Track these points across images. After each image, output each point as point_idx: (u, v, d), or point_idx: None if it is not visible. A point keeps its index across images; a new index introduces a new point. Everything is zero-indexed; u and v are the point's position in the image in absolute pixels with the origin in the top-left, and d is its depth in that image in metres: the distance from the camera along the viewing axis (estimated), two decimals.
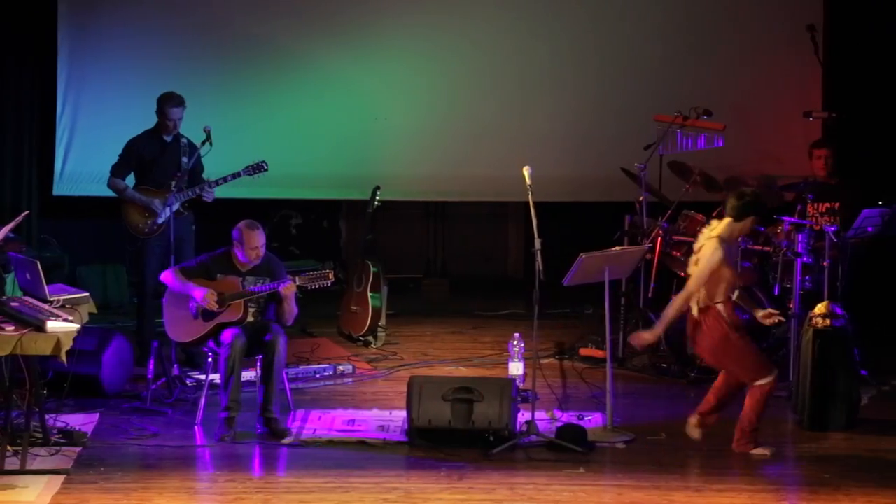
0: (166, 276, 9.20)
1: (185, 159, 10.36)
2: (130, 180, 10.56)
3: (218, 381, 9.01)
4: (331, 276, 9.11)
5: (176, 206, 10.30)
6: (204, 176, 10.50)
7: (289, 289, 8.99)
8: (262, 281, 9.09)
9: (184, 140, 10.43)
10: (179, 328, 9.20)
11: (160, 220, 10.26)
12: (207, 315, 9.06)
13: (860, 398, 9.29)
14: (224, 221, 9.47)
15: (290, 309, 9.09)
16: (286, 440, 8.79)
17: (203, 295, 8.96)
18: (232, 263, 9.15)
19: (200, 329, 9.10)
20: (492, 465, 8.35)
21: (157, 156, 10.43)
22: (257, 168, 10.37)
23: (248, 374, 9.34)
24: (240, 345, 8.87)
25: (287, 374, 9.41)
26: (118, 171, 10.51)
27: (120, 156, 10.54)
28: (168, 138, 10.45)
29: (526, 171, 9.01)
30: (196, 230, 10.70)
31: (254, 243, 9.05)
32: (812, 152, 11.17)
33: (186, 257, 10.12)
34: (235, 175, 10.33)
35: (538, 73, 12.87)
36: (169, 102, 10.39)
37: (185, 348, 10.07)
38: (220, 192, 10.53)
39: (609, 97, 12.75)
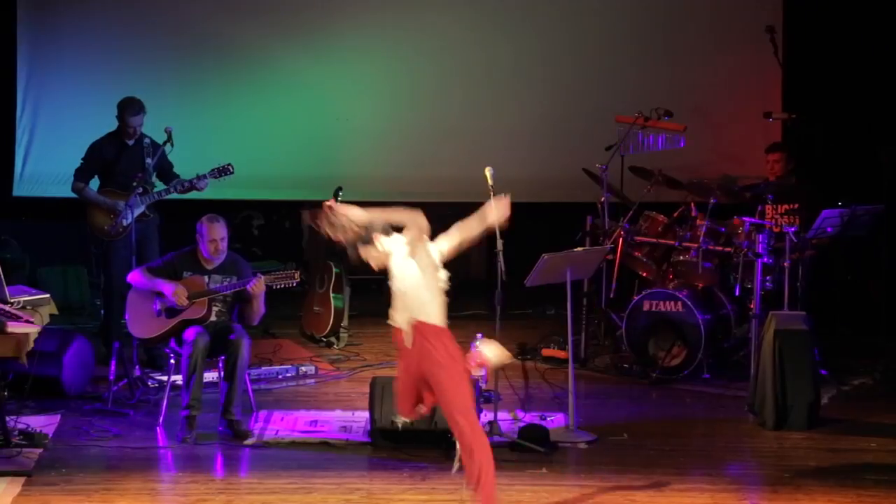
0: (133, 277, 9.21)
1: (148, 160, 10.30)
2: (95, 183, 10.52)
3: (179, 382, 9.00)
4: (297, 275, 9.12)
5: (142, 209, 10.26)
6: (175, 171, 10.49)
7: (258, 286, 8.98)
8: (227, 280, 9.11)
9: (147, 140, 10.38)
10: (142, 325, 9.19)
11: (125, 222, 10.20)
12: (171, 312, 9.07)
13: (820, 398, 9.31)
14: (187, 222, 9.45)
15: (259, 308, 9.11)
16: (248, 441, 8.79)
17: (173, 290, 8.99)
18: (198, 261, 9.17)
19: (163, 326, 9.10)
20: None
21: (120, 158, 10.38)
22: (223, 171, 10.34)
23: (210, 376, 9.34)
24: (203, 343, 8.88)
25: (250, 375, 9.41)
26: (82, 174, 10.46)
27: (83, 159, 10.49)
28: (130, 141, 10.40)
29: (488, 171, 9.01)
30: (159, 231, 10.64)
31: (213, 235, 9.07)
32: (766, 157, 11.22)
33: (151, 259, 10.11)
34: (201, 178, 10.30)
35: (500, 75, 12.92)
36: (128, 110, 10.31)
37: (147, 349, 10.09)
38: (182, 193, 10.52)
39: (570, 99, 12.80)
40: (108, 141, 10.47)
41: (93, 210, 10.40)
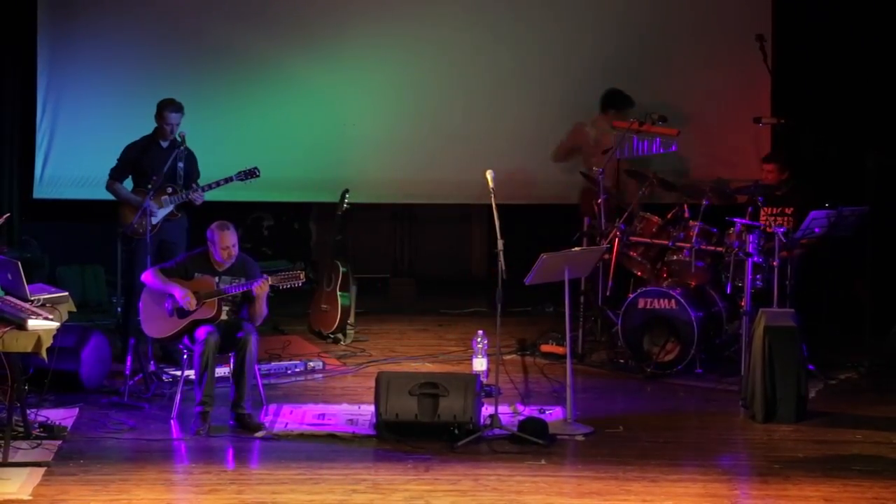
0: (147, 277, 9.34)
1: (180, 164, 10.45)
2: (129, 184, 10.70)
3: (193, 377, 9.11)
4: (302, 276, 9.18)
5: (170, 208, 10.42)
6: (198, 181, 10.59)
7: (261, 288, 9.09)
8: (237, 281, 9.21)
9: (182, 148, 10.46)
10: (155, 325, 9.33)
11: (154, 221, 10.37)
12: (182, 313, 9.19)
13: (808, 392, 9.40)
14: (203, 222, 9.60)
15: (261, 310, 9.22)
16: (259, 434, 8.88)
17: (182, 294, 9.11)
18: (209, 263, 9.29)
19: (175, 326, 9.24)
20: (457, 457, 8.45)
21: (150, 160, 10.50)
22: (249, 174, 10.47)
23: (221, 371, 9.43)
24: (213, 341, 9.00)
25: (259, 370, 9.49)
26: (116, 174, 10.61)
27: (118, 159, 10.64)
28: (164, 144, 10.54)
29: (489, 174, 9.13)
30: (188, 233, 10.77)
31: (225, 243, 9.20)
32: (762, 165, 11.26)
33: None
34: (228, 180, 10.43)
35: (501, 83, 12.93)
36: (167, 107, 10.50)
37: (161, 345, 10.14)
38: None
39: (569, 104, 12.77)
40: (142, 142, 10.61)
41: (123, 207, 10.54)
